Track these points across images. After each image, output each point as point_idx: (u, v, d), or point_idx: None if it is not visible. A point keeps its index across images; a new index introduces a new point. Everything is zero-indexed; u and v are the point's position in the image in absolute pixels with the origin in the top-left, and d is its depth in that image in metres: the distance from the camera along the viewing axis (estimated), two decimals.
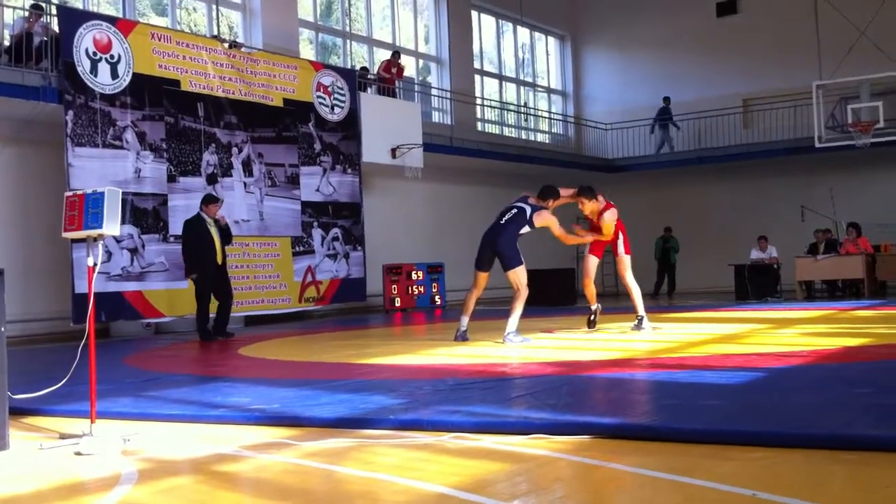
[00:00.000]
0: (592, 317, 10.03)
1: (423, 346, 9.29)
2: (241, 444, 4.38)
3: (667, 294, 20.95)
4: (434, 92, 20.65)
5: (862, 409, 4.43)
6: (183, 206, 13.07)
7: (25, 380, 6.47)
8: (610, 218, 9.65)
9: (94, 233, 4.67)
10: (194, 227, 11.16)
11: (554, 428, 4.29)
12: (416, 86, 19.94)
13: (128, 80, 12.62)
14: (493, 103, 23.01)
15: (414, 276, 17.00)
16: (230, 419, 5.06)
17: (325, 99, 15.81)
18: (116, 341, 12.02)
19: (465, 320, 9.30)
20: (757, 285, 16.76)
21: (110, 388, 6.36)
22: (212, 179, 13.66)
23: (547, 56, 25.60)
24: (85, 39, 12.13)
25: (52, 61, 12.17)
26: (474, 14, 22.36)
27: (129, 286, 12.42)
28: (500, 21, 23.55)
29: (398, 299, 16.67)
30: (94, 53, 12.23)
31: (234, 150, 14.15)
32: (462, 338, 9.20)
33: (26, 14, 12.35)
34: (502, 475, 3.62)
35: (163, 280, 12.80)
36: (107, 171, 12.16)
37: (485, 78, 22.85)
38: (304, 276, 15.20)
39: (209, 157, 13.73)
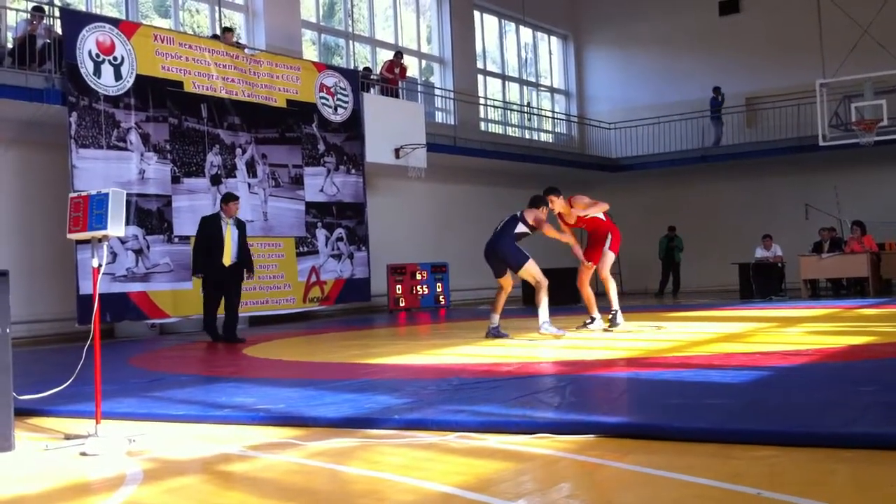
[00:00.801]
0: (612, 317, 9.97)
1: (428, 345, 9.30)
2: (246, 444, 4.39)
3: (671, 293, 20.93)
4: (437, 92, 20.65)
5: (866, 408, 4.42)
6: (187, 206, 13.10)
7: (30, 381, 6.49)
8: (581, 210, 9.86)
9: (98, 234, 4.69)
10: (207, 225, 10.92)
11: (558, 427, 4.30)
12: (419, 86, 19.94)
13: (131, 81, 12.64)
14: (497, 103, 23.01)
15: (418, 276, 17.01)
16: (235, 419, 5.07)
17: (328, 100, 15.82)
18: (121, 342, 12.04)
19: (495, 318, 9.50)
20: (761, 284, 16.74)
21: (115, 388, 6.37)
22: (216, 180, 13.68)
23: (550, 55, 25.60)
24: (88, 41, 12.15)
25: (55, 63, 12.20)
26: (477, 14, 22.36)
27: (134, 287, 12.44)
28: (502, 21, 23.55)
29: (402, 299, 16.68)
30: (98, 55, 12.25)
31: (238, 150, 14.17)
32: (496, 334, 9.36)
33: (29, 16, 12.37)
34: (507, 474, 3.62)
35: (168, 281, 12.82)
36: (111, 173, 12.18)
37: (488, 78, 22.85)
38: (309, 277, 15.22)
39: (213, 158, 13.75)
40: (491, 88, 23.01)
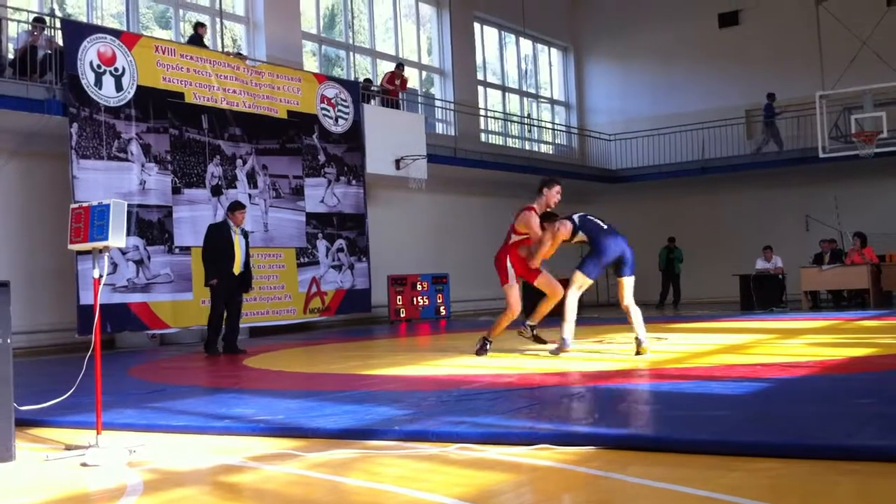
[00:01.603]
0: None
1: (428, 356, 9.28)
2: (246, 456, 4.39)
3: (672, 304, 20.93)
4: (437, 103, 20.70)
5: (867, 420, 4.42)
6: (188, 217, 13.12)
7: (31, 391, 6.49)
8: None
9: (99, 245, 4.69)
10: (215, 233, 10.68)
11: (559, 439, 4.29)
12: (419, 97, 19.99)
13: (132, 92, 12.67)
14: (497, 114, 23.06)
15: (419, 287, 17.02)
16: (235, 430, 5.06)
17: (329, 111, 15.86)
18: (122, 353, 12.04)
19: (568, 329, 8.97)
20: (762, 295, 16.76)
21: (116, 399, 6.37)
22: (216, 191, 13.70)
23: (550, 67, 25.66)
24: (89, 52, 12.19)
25: (56, 74, 12.23)
26: (477, 26, 22.43)
27: (135, 298, 12.44)
28: (502, 33, 23.62)
29: (403, 310, 16.67)
30: (99, 66, 12.28)
31: (239, 161, 14.20)
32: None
33: (30, 27, 12.41)
34: (507, 486, 3.62)
35: (168, 292, 12.81)
36: (112, 184, 12.20)
37: (488, 89, 22.91)
38: (309, 288, 15.22)
39: (214, 169, 13.77)
40: (491, 100, 23.06)
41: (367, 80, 18.31)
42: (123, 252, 12.16)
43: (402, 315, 16.61)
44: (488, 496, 3.45)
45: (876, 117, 16.92)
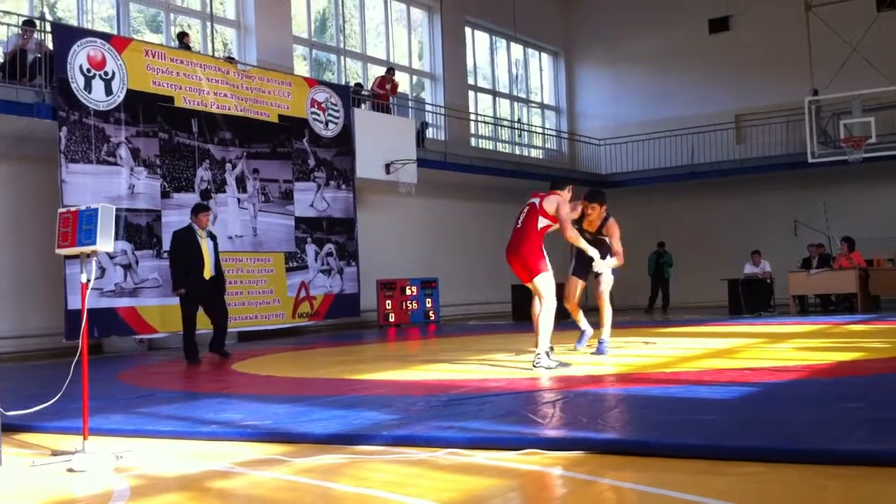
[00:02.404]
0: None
1: (417, 361, 9.28)
2: (233, 461, 4.37)
3: (661, 309, 20.97)
4: (428, 108, 20.71)
5: (855, 424, 4.43)
6: (177, 221, 13.03)
7: (18, 396, 6.46)
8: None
9: (87, 249, 4.67)
10: (182, 239, 10.32)
11: (547, 443, 4.29)
12: (409, 101, 19.98)
13: (122, 96, 12.64)
14: (487, 119, 23.08)
15: (408, 292, 17.00)
16: (223, 435, 5.05)
17: (319, 115, 15.85)
18: (109, 357, 11.98)
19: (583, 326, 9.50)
20: (750, 300, 16.79)
21: (103, 404, 6.35)
22: (205, 195, 13.66)
23: (540, 72, 25.71)
24: (79, 56, 12.15)
25: (45, 78, 12.18)
26: (468, 30, 22.45)
27: (123, 302, 12.39)
28: (493, 37, 23.65)
29: (392, 315, 16.66)
30: (89, 70, 12.25)
31: (228, 165, 14.17)
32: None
33: (20, 31, 12.37)
34: (496, 491, 3.61)
35: (156, 296, 12.76)
36: (101, 188, 12.15)
37: (478, 94, 22.93)
38: (298, 292, 15.20)
39: (203, 173, 13.74)
40: (482, 104, 23.09)
41: (358, 85, 18.31)
42: (111, 256, 12.11)
43: (391, 320, 16.60)
44: (476, 501, 3.45)
45: (864, 122, 17.01)
